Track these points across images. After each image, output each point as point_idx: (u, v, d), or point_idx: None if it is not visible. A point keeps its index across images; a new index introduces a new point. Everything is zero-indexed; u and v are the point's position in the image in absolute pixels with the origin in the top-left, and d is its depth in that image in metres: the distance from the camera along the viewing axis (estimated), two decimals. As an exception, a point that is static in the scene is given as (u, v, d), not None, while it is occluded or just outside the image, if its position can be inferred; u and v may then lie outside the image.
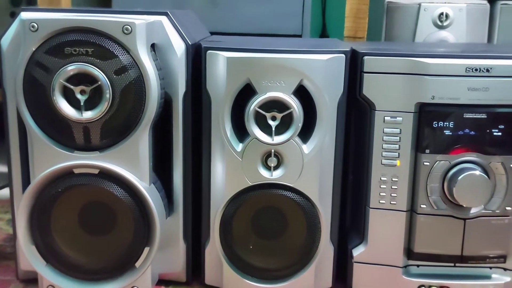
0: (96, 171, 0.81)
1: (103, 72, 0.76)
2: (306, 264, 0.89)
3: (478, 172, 0.82)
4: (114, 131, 0.80)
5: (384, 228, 0.88)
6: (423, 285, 0.89)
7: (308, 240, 0.88)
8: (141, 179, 0.82)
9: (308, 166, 0.85)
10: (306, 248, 0.88)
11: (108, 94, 0.77)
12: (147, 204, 0.82)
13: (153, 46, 0.82)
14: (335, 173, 0.88)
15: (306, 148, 0.84)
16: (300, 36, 1.47)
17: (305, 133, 0.85)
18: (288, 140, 0.83)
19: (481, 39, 1.56)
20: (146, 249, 0.84)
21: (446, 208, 0.85)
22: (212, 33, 1.18)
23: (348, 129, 0.90)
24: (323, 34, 2.06)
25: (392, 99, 0.83)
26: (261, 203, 0.87)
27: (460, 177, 0.82)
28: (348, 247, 0.92)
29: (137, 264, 0.84)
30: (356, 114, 0.89)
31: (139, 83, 0.78)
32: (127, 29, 0.76)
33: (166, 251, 0.90)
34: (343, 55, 0.83)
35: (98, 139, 0.80)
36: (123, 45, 0.77)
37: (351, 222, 0.94)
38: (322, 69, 0.82)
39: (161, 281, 0.93)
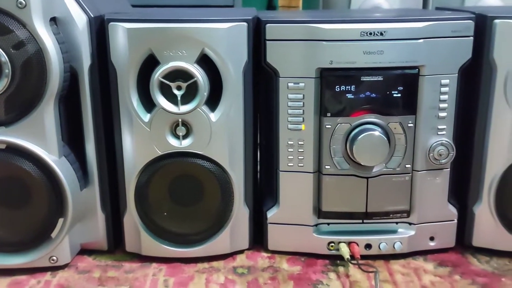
0: (3, 146, 0.82)
1: (1, 48, 0.76)
2: (221, 228, 0.92)
3: (375, 132, 0.86)
4: (18, 106, 0.81)
5: (294, 190, 0.92)
6: (332, 242, 0.93)
7: (222, 204, 0.91)
8: (50, 153, 0.83)
9: (217, 133, 0.87)
10: (220, 212, 0.92)
11: (7, 69, 0.77)
12: (57, 177, 0.84)
13: (54, 19, 0.82)
14: (246, 140, 0.91)
15: (213, 116, 0.86)
16: (232, 6, 1.47)
17: (213, 102, 0.88)
18: (194, 109, 0.85)
19: (416, 5, 1.59)
20: (61, 220, 0.86)
21: (350, 168, 0.89)
22: (136, 6, 1.18)
23: (258, 96, 0.94)
24: (270, 4, 2.06)
25: (294, 66, 0.86)
26: (174, 172, 0.90)
27: (358, 138, 0.86)
28: (263, 209, 0.97)
29: (53, 235, 0.87)
30: (264, 81, 0.92)
31: (39, 57, 0.78)
32: (21, 3, 0.76)
33: (85, 222, 0.92)
34: (245, 23, 0.85)
35: (3, 114, 0.81)
36: (19, 20, 0.76)
37: (265, 186, 0.98)
38: (223, 38, 0.83)
39: (85, 250, 0.96)
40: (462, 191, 0.97)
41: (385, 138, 0.86)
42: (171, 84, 0.83)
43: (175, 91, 0.84)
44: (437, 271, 0.90)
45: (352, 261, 0.88)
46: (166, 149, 0.87)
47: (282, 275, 0.89)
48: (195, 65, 0.83)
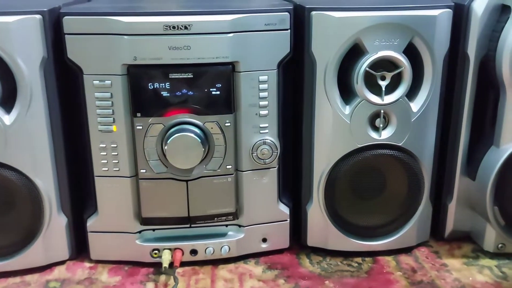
0: None
1: None
2: (33, 239, 0.84)
3: (187, 134, 0.80)
4: None
5: (112, 196, 0.85)
6: (157, 249, 0.88)
7: (31, 214, 0.83)
8: None
9: (14, 138, 0.78)
10: (29, 222, 0.84)
11: None
12: None
13: None
14: (55, 142, 0.83)
15: (8, 119, 0.78)
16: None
17: (9, 103, 0.79)
18: (-16, 112, 0.77)
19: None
20: None
21: (167, 171, 0.84)
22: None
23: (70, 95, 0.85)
24: None
25: (98, 62, 0.78)
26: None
27: (169, 140, 0.80)
28: (84, 217, 0.90)
29: None
30: (71, 79, 0.83)
31: None
32: None
33: None
34: (38, 16, 0.76)
35: None
36: None
37: (85, 192, 0.91)
38: (10, 33, 0.74)
39: None
40: (296, 189, 0.94)
41: (198, 139, 0.80)
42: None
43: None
44: (263, 275, 0.87)
45: (167, 270, 0.84)
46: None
47: (97, 287, 0.84)
48: (-20, 63, 0.75)
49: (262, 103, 0.83)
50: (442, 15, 0.81)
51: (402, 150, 0.86)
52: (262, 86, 0.82)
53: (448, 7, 0.82)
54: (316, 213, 0.91)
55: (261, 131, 0.85)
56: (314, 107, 0.85)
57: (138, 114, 0.80)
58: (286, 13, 0.80)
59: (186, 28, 0.77)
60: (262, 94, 0.83)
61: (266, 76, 0.82)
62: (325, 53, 0.81)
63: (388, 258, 0.92)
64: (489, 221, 0.89)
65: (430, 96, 0.84)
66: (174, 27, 0.77)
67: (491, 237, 0.91)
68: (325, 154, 0.86)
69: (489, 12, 0.82)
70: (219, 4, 0.88)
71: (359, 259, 0.91)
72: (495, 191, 0.87)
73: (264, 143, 0.85)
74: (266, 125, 0.84)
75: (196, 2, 0.96)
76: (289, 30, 0.81)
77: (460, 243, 0.96)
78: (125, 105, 0.80)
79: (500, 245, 0.91)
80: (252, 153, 0.85)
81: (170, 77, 0.79)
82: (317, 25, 0.80)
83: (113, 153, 0.83)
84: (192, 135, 0.80)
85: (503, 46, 0.80)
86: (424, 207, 0.92)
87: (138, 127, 0.81)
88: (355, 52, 0.82)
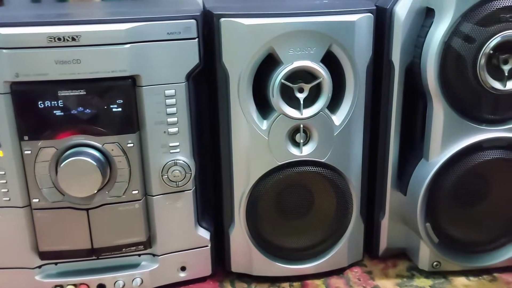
0: None
1: None
2: None
3: (80, 158, 0.70)
4: None
5: (4, 229, 0.75)
6: (60, 285, 0.78)
7: None
8: None
9: None
10: None
11: None
12: None
13: None
14: None
15: None
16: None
17: None
18: None
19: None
20: None
21: (63, 199, 0.74)
22: None
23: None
24: None
25: (-24, 79, 0.70)
26: None
27: (61, 165, 0.71)
28: (-24, 252, 0.80)
29: None
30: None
31: None
32: None
33: None
34: None
35: None
36: None
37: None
38: None
39: None
40: (217, 212, 0.87)
41: (95, 163, 0.71)
42: None
43: None
44: (179, 309, 0.80)
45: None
46: None
47: (-13, 334, 0.75)
48: None
49: (171, 119, 0.75)
50: (361, 20, 0.74)
51: (325, 166, 0.80)
52: (169, 101, 0.74)
53: (369, 11, 0.76)
54: (239, 237, 0.83)
55: (171, 151, 0.76)
56: (231, 123, 0.77)
57: (26, 138, 0.71)
58: (192, 20, 0.72)
59: (73, 39, 0.68)
60: (169, 110, 0.75)
61: (173, 90, 0.74)
62: (237, 63, 0.73)
63: (318, 282, 0.85)
64: (422, 238, 0.84)
65: (354, 107, 0.78)
66: (59, 39, 0.67)
67: (425, 254, 0.86)
68: (244, 173, 0.79)
69: (413, 16, 0.76)
70: (123, 10, 0.80)
71: (286, 285, 0.84)
72: (426, 207, 0.82)
73: (176, 164, 0.77)
74: (177, 144, 0.76)
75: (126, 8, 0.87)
76: (196, 39, 0.73)
77: (396, 261, 0.90)
78: (11, 127, 0.70)
79: (435, 263, 0.86)
80: (162, 176, 0.77)
81: (59, 94, 0.70)
82: (226, 33, 0.73)
83: (1, 181, 0.73)
84: (88, 159, 0.71)
85: (427, 52, 0.75)
86: (354, 225, 0.86)
87: (26, 152, 0.71)
88: (271, 62, 0.75)
